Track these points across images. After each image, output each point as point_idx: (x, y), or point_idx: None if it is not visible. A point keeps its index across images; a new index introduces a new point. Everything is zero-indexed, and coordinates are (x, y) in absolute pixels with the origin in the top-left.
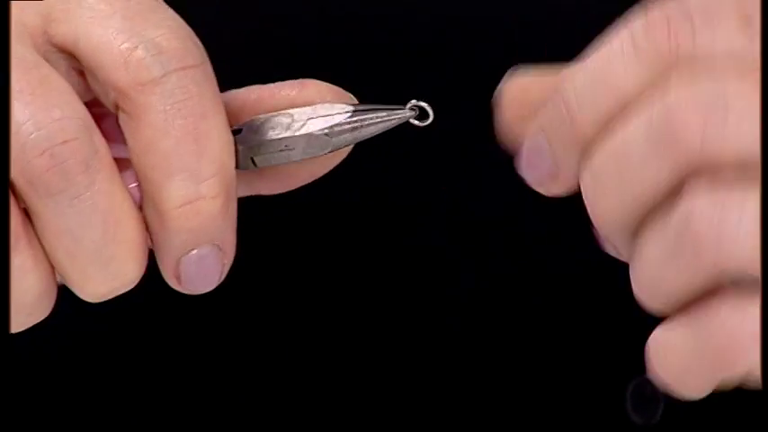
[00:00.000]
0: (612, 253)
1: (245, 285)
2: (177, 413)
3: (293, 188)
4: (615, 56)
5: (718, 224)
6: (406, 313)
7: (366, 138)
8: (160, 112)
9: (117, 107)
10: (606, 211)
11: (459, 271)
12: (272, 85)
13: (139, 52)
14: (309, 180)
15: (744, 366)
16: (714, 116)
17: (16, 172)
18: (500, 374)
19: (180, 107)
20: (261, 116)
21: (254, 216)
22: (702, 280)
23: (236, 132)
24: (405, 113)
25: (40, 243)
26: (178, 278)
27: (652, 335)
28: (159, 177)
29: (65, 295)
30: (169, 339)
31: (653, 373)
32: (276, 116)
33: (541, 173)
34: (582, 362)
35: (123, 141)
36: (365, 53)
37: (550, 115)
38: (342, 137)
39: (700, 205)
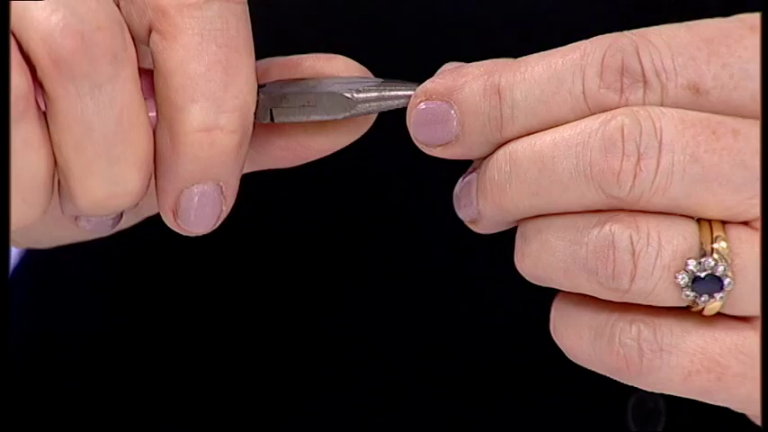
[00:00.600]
0: (465, 216)
1: (236, 292)
2: (165, 410)
3: (302, 162)
4: (563, 90)
5: (637, 256)
6: (403, 315)
7: (390, 108)
8: (196, 35)
9: (150, 30)
10: (511, 197)
11: (456, 276)
12: (298, 55)
13: None
14: (321, 155)
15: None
16: (647, 165)
17: (43, 51)
18: (499, 386)
19: (216, 35)
20: (287, 79)
21: (252, 216)
22: (604, 294)
23: (259, 87)
24: None
25: (49, 132)
26: (175, 212)
27: (554, 303)
28: (182, 99)
29: (62, 296)
30: (156, 340)
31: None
32: (302, 78)
33: (437, 138)
34: (584, 375)
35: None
36: (366, 49)
37: (476, 103)
38: (366, 103)
39: (622, 232)
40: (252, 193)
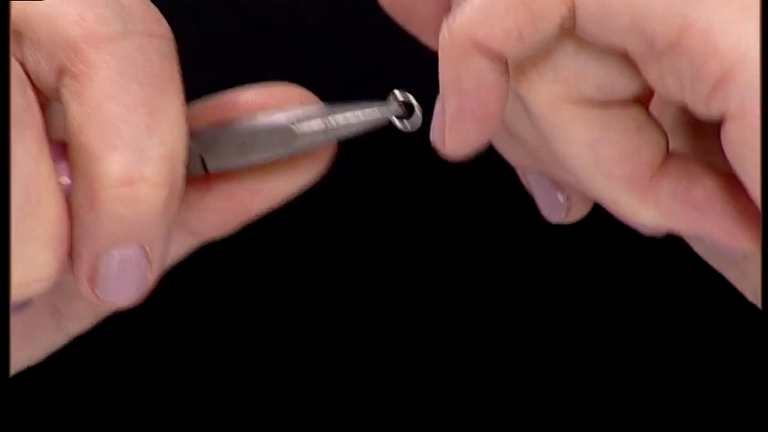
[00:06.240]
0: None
1: (235, 291)
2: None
3: (244, 223)
4: None
5: None
6: (402, 317)
7: (341, 137)
8: (114, 72)
9: (61, 75)
10: None
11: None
12: (234, 90)
13: (99, 8)
14: (269, 204)
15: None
16: None
17: None
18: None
19: (138, 72)
20: (220, 121)
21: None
22: None
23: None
24: (387, 108)
25: None
26: (92, 279)
27: None
28: (100, 148)
29: None
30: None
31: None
32: (238, 118)
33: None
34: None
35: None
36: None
37: None
38: (310, 134)
39: None
40: None
